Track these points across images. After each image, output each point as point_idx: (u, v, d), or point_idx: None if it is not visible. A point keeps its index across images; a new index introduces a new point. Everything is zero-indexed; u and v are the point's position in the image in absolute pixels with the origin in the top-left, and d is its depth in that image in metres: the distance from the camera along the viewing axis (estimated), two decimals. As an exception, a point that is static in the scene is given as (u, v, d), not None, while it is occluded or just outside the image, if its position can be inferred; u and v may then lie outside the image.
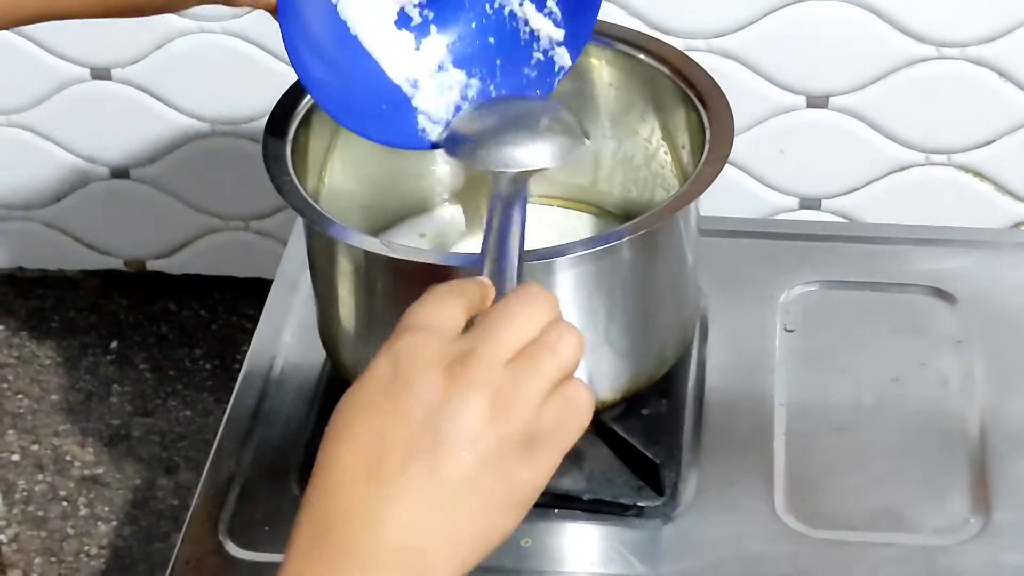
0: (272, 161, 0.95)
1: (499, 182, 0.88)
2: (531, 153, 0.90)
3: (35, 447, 1.21)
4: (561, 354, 0.71)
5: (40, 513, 1.16)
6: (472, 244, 1.07)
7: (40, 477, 1.19)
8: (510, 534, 0.70)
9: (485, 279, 0.77)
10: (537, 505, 0.95)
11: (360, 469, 0.68)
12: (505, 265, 0.81)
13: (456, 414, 0.68)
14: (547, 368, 0.71)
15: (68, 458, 1.20)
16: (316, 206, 0.93)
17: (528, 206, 1.11)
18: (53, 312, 1.33)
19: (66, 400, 1.25)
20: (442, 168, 1.12)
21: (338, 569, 0.67)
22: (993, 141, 1.21)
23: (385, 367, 0.70)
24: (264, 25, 1.17)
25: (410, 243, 1.07)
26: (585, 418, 0.72)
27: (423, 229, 1.09)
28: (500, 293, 0.77)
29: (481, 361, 0.69)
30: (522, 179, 0.89)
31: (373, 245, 0.93)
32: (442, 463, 0.67)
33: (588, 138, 0.94)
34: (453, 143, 0.94)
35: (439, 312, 0.72)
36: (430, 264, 0.92)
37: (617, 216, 1.11)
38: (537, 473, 0.70)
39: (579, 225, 1.11)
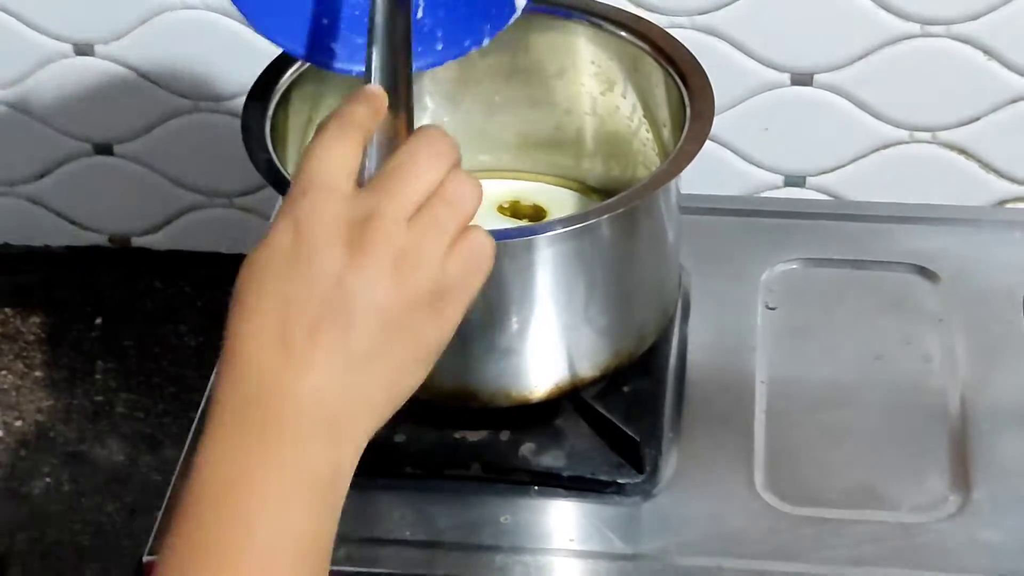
0: (251, 138, 0.95)
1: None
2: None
3: (19, 423, 1.21)
4: (461, 206, 0.72)
5: (24, 489, 1.16)
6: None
7: (23, 453, 1.19)
8: (418, 385, 0.72)
9: (375, 89, 0.75)
10: (516, 481, 0.97)
11: (269, 342, 0.68)
12: (393, 62, 0.77)
13: (361, 282, 0.68)
14: (447, 223, 0.71)
15: (52, 434, 1.20)
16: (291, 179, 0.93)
17: (510, 182, 1.12)
18: (37, 288, 1.32)
19: (50, 376, 1.25)
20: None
21: (258, 444, 0.67)
22: (978, 119, 1.21)
23: (286, 233, 0.69)
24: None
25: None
26: (487, 265, 0.73)
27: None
28: (393, 100, 0.76)
29: (382, 223, 0.69)
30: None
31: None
32: (350, 331, 0.68)
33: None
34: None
35: (334, 159, 0.71)
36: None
37: (600, 192, 1.11)
38: (443, 329, 0.72)
39: (561, 201, 1.11)
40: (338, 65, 0.89)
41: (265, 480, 0.66)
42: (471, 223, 0.73)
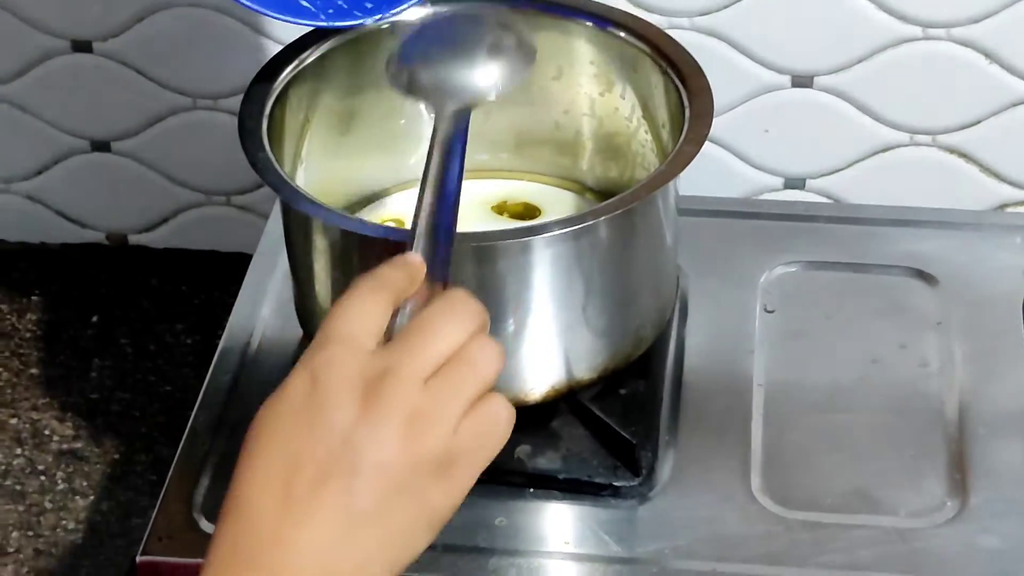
0: (248, 137, 0.94)
1: (438, 118, 0.84)
2: (474, 80, 0.83)
3: (13, 420, 1.20)
4: (481, 370, 0.71)
5: (18, 487, 1.16)
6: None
7: (18, 451, 1.18)
8: (421, 551, 0.70)
9: (414, 258, 0.76)
10: (512, 484, 0.97)
11: (273, 490, 0.68)
12: (441, 237, 0.78)
13: (371, 439, 0.68)
14: (466, 386, 0.70)
15: (47, 432, 1.20)
16: (291, 183, 0.93)
17: (507, 182, 1.12)
18: (33, 285, 1.32)
19: (45, 374, 1.24)
20: (424, 145, 1.11)
21: None
22: (979, 122, 1.21)
23: (302, 384, 0.69)
24: (245, -1, 1.17)
25: (389, 221, 1.07)
26: (503, 436, 0.72)
27: (402, 207, 1.09)
28: (431, 271, 0.76)
29: (399, 382, 0.68)
30: (463, 114, 0.84)
31: (347, 223, 0.93)
32: (355, 489, 0.67)
33: (535, 53, 0.87)
34: (393, 73, 0.90)
35: (361, 317, 0.71)
36: (404, 241, 0.92)
37: (598, 193, 1.10)
38: (450, 495, 0.70)
39: (559, 202, 1.11)
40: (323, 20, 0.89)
41: None
42: (491, 390, 0.71)
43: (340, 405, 0.68)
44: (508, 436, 0.72)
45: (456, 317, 0.72)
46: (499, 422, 0.71)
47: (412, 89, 0.89)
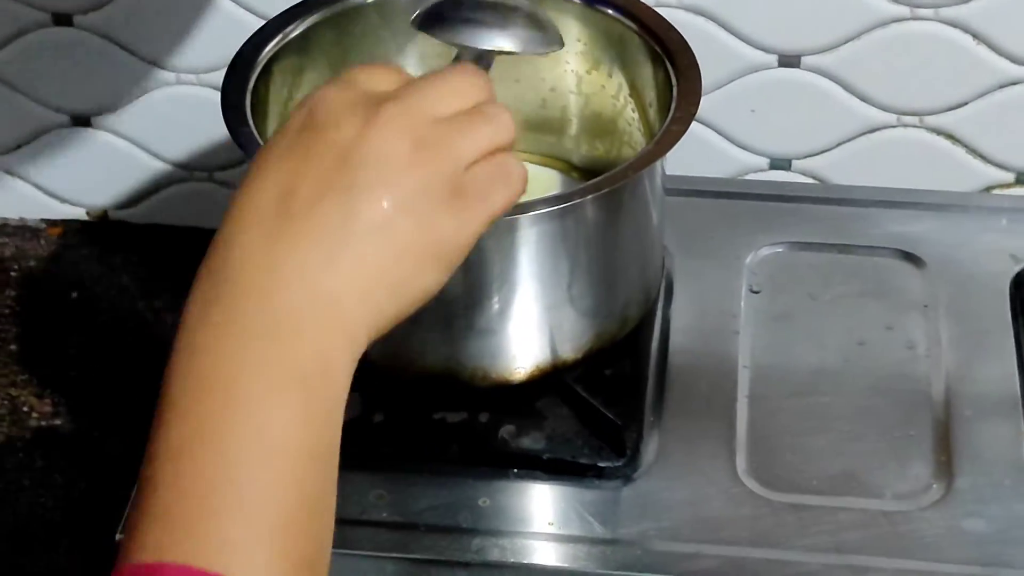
0: (231, 112, 0.93)
1: (463, 57, 0.81)
2: (502, 35, 0.82)
3: (-8, 397, 1.20)
4: (496, 123, 0.68)
5: (-4, 465, 1.15)
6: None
7: (-3, 428, 1.18)
8: (432, 291, 0.66)
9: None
10: (495, 464, 0.96)
11: (267, 210, 0.63)
12: None
13: (374, 154, 0.64)
14: (479, 133, 0.67)
15: (25, 409, 1.19)
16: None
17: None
18: (13, 261, 1.31)
19: (24, 350, 1.23)
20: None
21: (236, 332, 0.61)
22: (966, 104, 1.20)
23: (301, 115, 0.66)
24: (228, -27, 1.16)
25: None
26: (518, 187, 0.68)
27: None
28: None
29: (406, 108, 0.65)
30: (487, 59, 0.80)
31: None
32: (356, 204, 0.63)
33: (563, 45, 0.87)
34: (423, 17, 0.86)
35: (371, 74, 0.68)
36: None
37: (584, 172, 1.10)
38: (461, 225, 0.66)
39: (546, 180, 1.10)
40: None
41: (244, 380, 0.60)
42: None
43: (339, 125, 0.64)
44: (523, 191, 0.68)
45: (469, 79, 0.69)
46: (514, 172, 0.68)
47: (441, 32, 0.84)
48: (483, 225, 0.68)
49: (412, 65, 1.07)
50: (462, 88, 0.69)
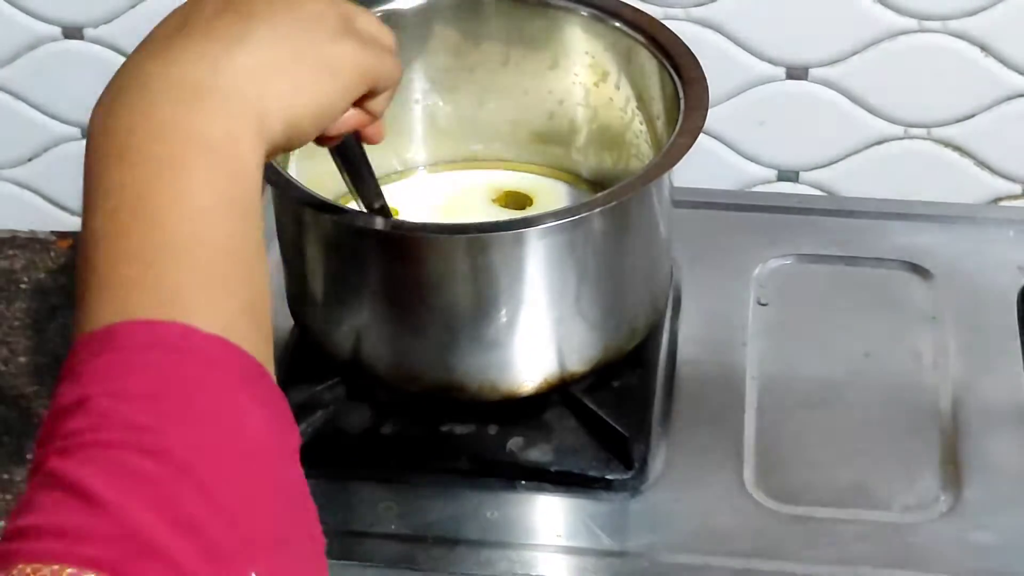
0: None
1: None
2: None
3: (2, 408, 1.20)
4: (379, 22, 0.76)
5: (5, 475, 1.15)
6: (436, 213, 1.07)
7: (7, 439, 1.18)
8: (334, 104, 0.71)
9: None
10: (503, 476, 0.96)
11: (167, 31, 0.67)
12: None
13: None
14: (371, 18, 0.75)
15: (36, 420, 1.19)
16: (283, 171, 0.93)
17: (501, 172, 1.11)
18: (23, 273, 1.32)
19: (34, 362, 1.24)
20: (417, 134, 1.11)
21: (140, 97, 0.64)
22: (974, 115, 1.20)
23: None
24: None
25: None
26: (396, 62, 0.76)
27: (396, 196, 1.08)
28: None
29: None
30: None
31: (340, 213, 0.92)
32: (252, 18, 0.67)
33: None
34: None
35: None
36: (397, 232, 0.91)
37: (592, 185, 1.10)
38: (353, 52, 0.72)
39: (553, 192, 1.11)
40: None
41: (157, 148, 0.62)
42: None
43: None
44: (393, 49, 0.76)
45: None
46: (388, 33, 0.76)
47: None
48: (368, 65, 0.73)
49: (419, 79, 1.08)
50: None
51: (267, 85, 0.67)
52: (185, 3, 0.70)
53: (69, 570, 0.51)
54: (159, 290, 0.59)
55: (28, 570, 0.51)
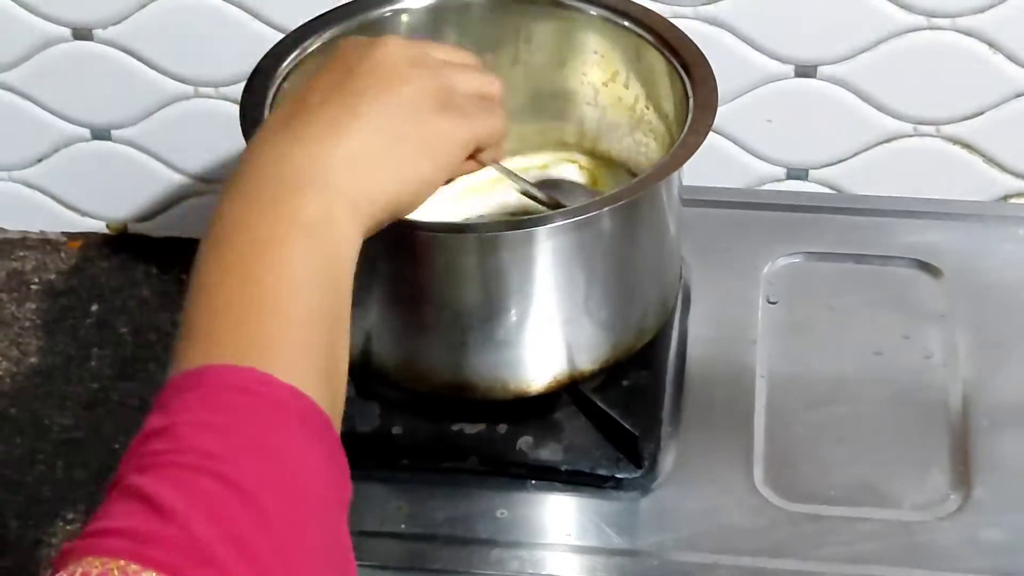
0: (250, 125, 0.93)
1: None
2: None
3: (13, 410, 1.20)
4: (490, 80, 0.83)
5: (17, 476, 1.15)
6: (455, 213, 1.07)
7: (18, 440, 1.18)
8: (427, 181, 0.77)
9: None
10: (513, 475, 0.96)
11: (281, 119, 0.76)
12: None
13: (376, 65, 0.77)
14: (472, 73, 0.82)
15: (46, 422, 1.19)
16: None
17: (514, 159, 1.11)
18: (33, 274, 1.32)
19: (45, 363, 1.24)
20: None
21: (251, 188, 0.72)
22: (983, 113, 1.20)
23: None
24: (246, -13, 1.17)
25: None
26: (500, 123, 0.82)
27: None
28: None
29: (410, 44, 0.80)
30: None
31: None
32: (358, 102, 0.75)
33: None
34: None
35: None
36: (406, 234, 0.92)
37: (601, 183, 1.10)
38: (450, 129, 0.78)
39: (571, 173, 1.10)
40: None
41: (263, 228, 0.70)
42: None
43: (347, 55, 0.78)
44: (503, 131, 0.83)
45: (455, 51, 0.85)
46: (496, 107, 0.82)
47: None
48: (470, 136, 0.79)
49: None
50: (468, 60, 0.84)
51: (365, 172, 0.74)
52: (300, 89, 0.78)
53: (133, 567, 0.57)
54: (246, 341, 0.67)
55: (97, 563, 0.57)
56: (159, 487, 0.60)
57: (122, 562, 0.57)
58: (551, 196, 0.96)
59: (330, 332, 0.70)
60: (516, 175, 0.94)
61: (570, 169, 1.11)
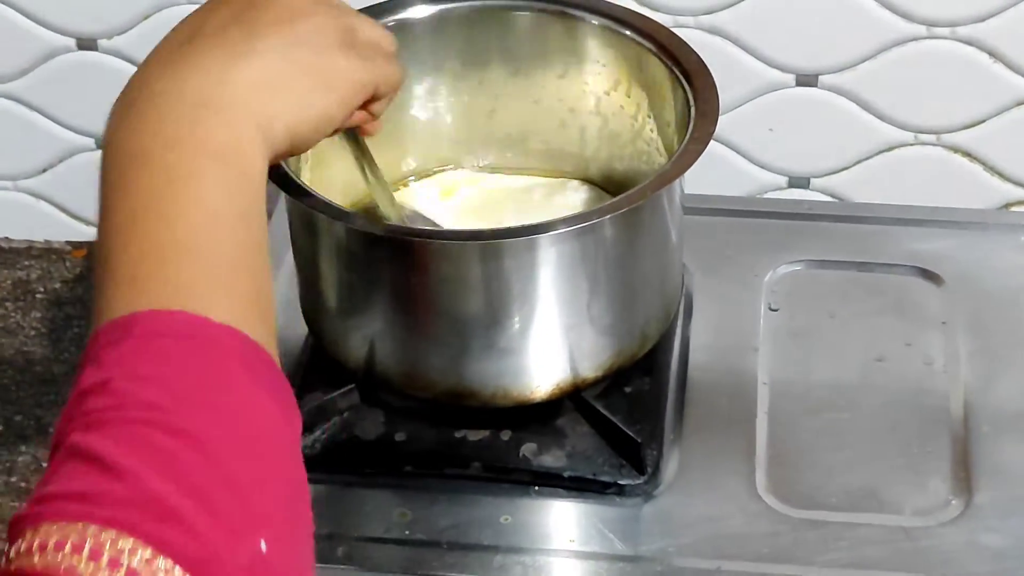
0: (254, 134, 0.94)
1: None
2: None
3: (18, 418, 1.21)
4: (389, 36, 0.82)
5: (23, 484, 1.16)
6: (452, 220, 1.07)
7: (23, 448, 1.18)
8: (329, 116, 0.76)
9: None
10: (516, 481, 0.97)
11: (174, 43, 0.73)
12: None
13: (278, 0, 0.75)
14: (374, 27, 0.81)
15: (51, 430, 1.20)
16: (297, 179, 0.93)
17: (513, 178, 1.12)
18: (38, 283, 1.32)
19: (50, 371, 1.25)
20: (425, 145, 1.11)
21: (150, 111, 0.68)
22: (983, 121, 1.21)
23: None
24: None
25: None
26: (398, 71, 0.82)
27: (408, 202, 1.09)
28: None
29: None
30: None
31: (354, 220, 0.93)
32: (257, 30, 0.72)
33: None
34: None
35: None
36: (409, 239, 0.92)
37: (603, 192, 1.10)
38: (350, 66, 0.76)
39: (567, 193, 1.11)
40: None
41: (171, 157, 0.67)
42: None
43: None
44: (400, 80, 0.82)
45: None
46: (393, 55, 0.81)
47: None
48: (368, 78, 0.78)
49: (424, 92, 1.08)
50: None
51: (269, 97, 0.72)
52: (193, 14, 0.75)
53: (92, 528, 0.55)
54: (173, 284, 0.64)
55: (54, 529, 0.55)
56: (106, 445, 0.58)
57: (79, 525, 0.55)
58: (402, 215, 0.97)
59: (253, 261, 0.68)
60: (378, 172, 0.94)
61: (572, 179, 1.12)
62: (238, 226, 0.67)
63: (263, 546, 0.58)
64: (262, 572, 0.58)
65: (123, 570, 0.55)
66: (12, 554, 0.56)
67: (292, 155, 0.76)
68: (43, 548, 0.55)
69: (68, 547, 0.55)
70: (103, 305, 0.64)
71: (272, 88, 0.72)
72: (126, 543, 0.55)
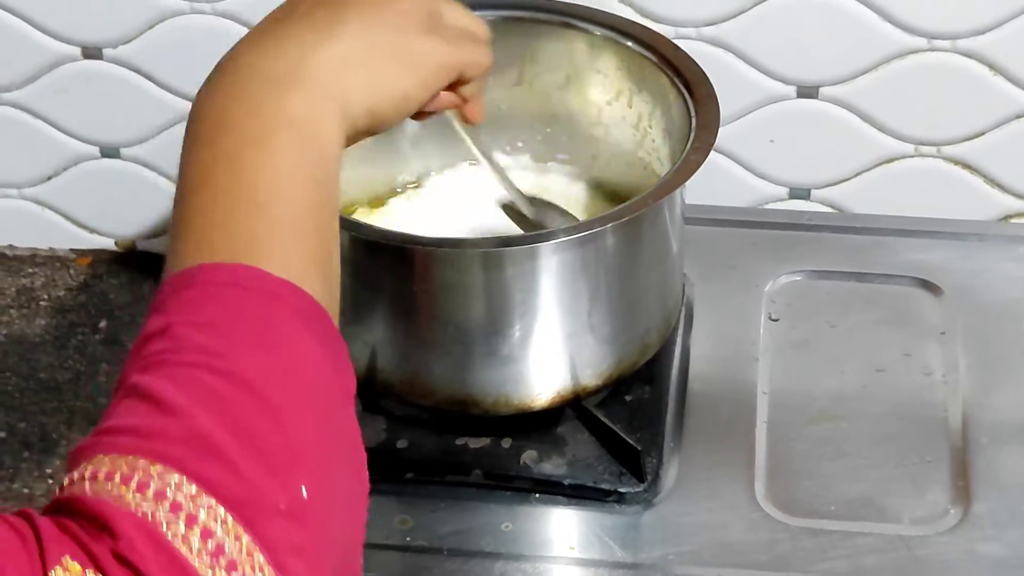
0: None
1: None
2: None
3: (22, 425, 1.21)
4: (479, 21, 0.83)
5: (25, 490, 1.16)
6: (454, 226, 1.08)
7: (26, 455, 1.19)
8: (408, 95, 0.77)
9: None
10: (517, 489, 0.97)
11: (268, 23, 0.75)
12: None
13: None
14: (463, 12, 0.81)
15: (55, 436, 1.20)
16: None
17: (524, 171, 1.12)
18: (42, 291, 1.33)
19: (54, 379, 1.25)
20: (421, 152, 1.12)
21: (237, 80, 0.71)
22: (983, 133, 1.21)
23: None
24: (255, 6, 1.18)
25: (400, 222, 1.08)
26: (485, 55, 0.82)
27: (401, 212, 1.10)
28: None
29: None
30: None
31: (355, 227, 0.94)
32: (344, 13, 0.75)
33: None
34: None
35: None
36: (412, 246, 0.93)
37: (604, 201, 1.11)
38: (432, 49, 0.78)
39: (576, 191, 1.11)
40: None
41: (248, 122, 0.70)
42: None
43: None
44: (488, 63, 0.83)
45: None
46: (482, 40, 0.82)
47: None
48: (452, 60, 0.79)
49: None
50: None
51: (350, 76, 0.74)
52: (285, 3, 0.77)
53: (141, 461, 0.58)
54: (239, 237, 0.67)
55: (106, 460, 0.58)
56: (161, 384, 0.61)
57: (129, 458, 0.58)
58: (537, 216, 0.97)
59: (321, 228, 0.70)
60: (507, 177, 0.95)
61: (574, 189, 1.12)
62: (309, 189, 0.69)
63: (304, 492, 0.60)
64: (300, 517, 0.60)
65: (168, 503, 0.57)
66: (66, 482, 0.60)
67: (375, 132, 0.78)
68: (94, 477, 0.58)
69: (118, 477, 0.57)
70: (173, 255, 0.67)
71: (352, 68, 0.74)
72: (172, 477, 0.58)
